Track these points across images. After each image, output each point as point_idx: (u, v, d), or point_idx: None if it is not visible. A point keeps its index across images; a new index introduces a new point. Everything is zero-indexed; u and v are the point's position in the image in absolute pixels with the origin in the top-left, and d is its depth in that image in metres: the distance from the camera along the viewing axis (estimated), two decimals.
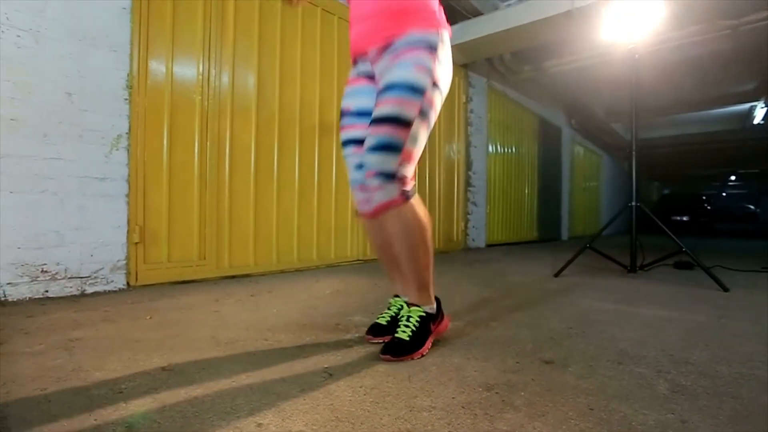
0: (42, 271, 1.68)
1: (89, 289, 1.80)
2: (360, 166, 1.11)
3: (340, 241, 2.91)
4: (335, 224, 2.87)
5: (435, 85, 1.03)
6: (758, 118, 6.19)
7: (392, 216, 1.04)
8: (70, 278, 1.75)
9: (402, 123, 1.00)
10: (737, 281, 2.37)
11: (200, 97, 2.15)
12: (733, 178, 14.82)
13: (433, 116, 1.07)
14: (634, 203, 2.38)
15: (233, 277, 2.27)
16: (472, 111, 4.26)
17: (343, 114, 1.18)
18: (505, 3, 3.85)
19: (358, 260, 3.03)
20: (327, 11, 2.82)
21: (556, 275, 2.44)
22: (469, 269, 2.81)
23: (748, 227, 14.99)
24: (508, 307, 1.64)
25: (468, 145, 4.22)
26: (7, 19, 1.60)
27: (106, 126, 1.84)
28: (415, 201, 1.06)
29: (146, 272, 1.96)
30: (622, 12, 2.33)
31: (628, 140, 2.55)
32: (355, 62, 1.18)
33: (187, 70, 2.10)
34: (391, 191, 1.01)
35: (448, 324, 1.20)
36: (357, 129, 1.13)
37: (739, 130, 6.98)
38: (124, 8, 1.90)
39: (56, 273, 1.71)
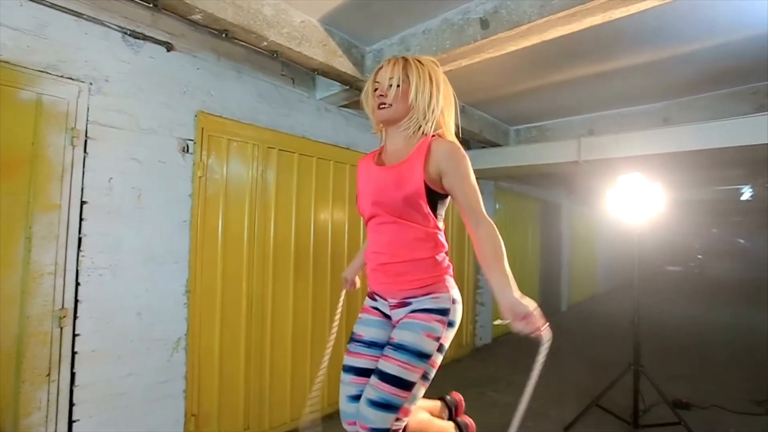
0: None
1: None
2: (353, 398, 1.20)
3: None
4: None
5: (440, 348, 1.18)
6: (745, 196, 6.54)
7: None
8: None
9: (404, 385, 1.12)
10: None
11: (245, 286, 2.37)
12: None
13: (434, 372, 1.20)
14: (635, 366, 2.62)
15: None
16: None
17: (353, 339, 1.30)
18: (514, 128, 4.15)
19: None
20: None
21: (566, 429, 2.65)
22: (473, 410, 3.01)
23: (737, 266, 15.05)
24: None
25: None
26: (93, 262, 1.82)
27: (169, 332, 2.05)
28: (414, 421, 1.18)
29: None
30: (623, 198, 2.60)
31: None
32: (372, 297, 1.32)
33: (235, 265, 2.33)
34: None
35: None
36: (364, 358, 1.24)
37: (730, 200, 7.35)
38: (185, 221, 2.12)
39: None
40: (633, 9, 1.66)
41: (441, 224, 1.26)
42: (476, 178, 1.21)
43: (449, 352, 4.14)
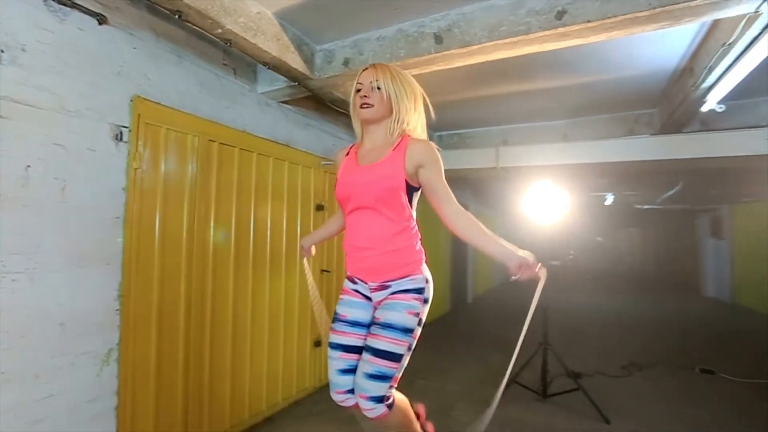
0: None
1: None
2: (342, 372, 1.36)
3: (299, 374, 3.08)
4: (297, 356, 3.04)
5: (419, 322, 1.34)
6: (608, 201, 7.97)
7: (382, 423, 1.31)
8: None
9: (395, 358, 1.28)
10: (612, 395, 3.18)
11: (184, 287, 2.19)
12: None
13: (415, 342, 1.35)
14: (544, 345, 3.07)
15: None
16: None
17: (337, 319, 1.41)
18: (437, 133, 4.48)
19: (316, 389, 3.23)
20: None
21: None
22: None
23: (598, 260, 17.77)
24: None
25: None
26: (3, 266, 1.52)
27: (98, 343, 1.81)
28: (398, 402, 1.35)
29: None
30: (538, 198, 3.03)
31: None
32: (352, 280, 1.43)
33: (174, 265, 2.15)
34: (380, 409, 1.27)
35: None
36: (349, 336, 1.38)
37: (597, 205, 8.89)
38: (118, 217, 1.89)
39: None
40: (561, 45, 1.98)
41: (414, 214, 1.41)
42: None
43: None
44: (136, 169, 1.95)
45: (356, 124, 1.46)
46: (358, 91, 1.39)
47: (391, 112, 1.37)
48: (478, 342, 4.81)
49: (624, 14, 1.72)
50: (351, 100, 1.43)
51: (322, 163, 3.39)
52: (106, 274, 1.84)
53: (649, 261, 13.67)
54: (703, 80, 2.40)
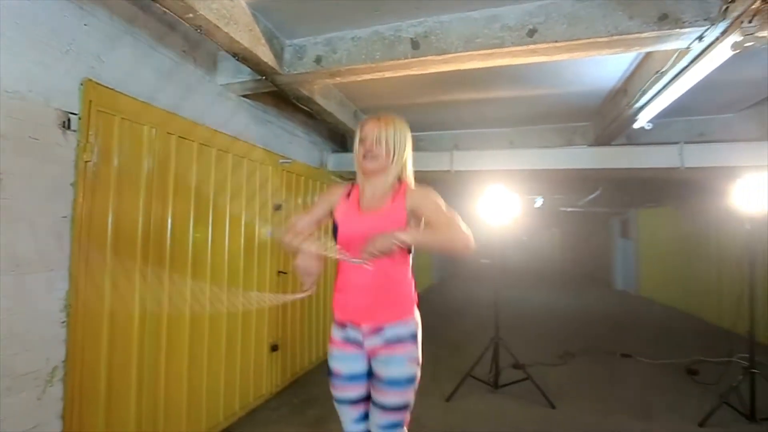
0: None
1: None
2: (357, 421, 1.41)
3: (256, 381, 2.95)
4: (254, 362, 2.91)
5: (418, 362, 1.39)
6: (538, 204, 8.69)
7: None
8: None
9: (404, 407, 1.36)
10: (553, 382, 3.48)
11: (138, 293, 1.99)
12: None
13: (418, 382, 1.40)
14: (495, 339, 3.27)
15: None
16: None
17: (334, 375, 1.42)
18: None
19: (273, 395, 3.11)
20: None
21: (448, 399, 3.12)
22: None
23: (523, 258, 19.09)
24: None
25: None
26: None
27: (40, 362, 1.58)
28: None
29: None
30: (492, 201, 3.22)
31: None
32: (342, 325, 1.42)
33: (128, 270, 1.94)
34: None
35: None
36: (349, 391, 1.40)
37: (527, 207, 9.66)
38: (65, 217, 1.66)
39: None
40: (530, 60, 2.13)
41: (411, 261, 1.45)
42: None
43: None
44: (86, 162, 1.73)
45: (358, 173, 1.49)
46: (361, 141, 1.43)
47: (392, 161, 1.41)
48: (424, 339, 4.96)
49: (587, 38, 1.90)
50: (354, 151, 1.46)
51: (280, 161, 3.28)
52: (50, 281, 1.61)
53: (567, 258, 15.11)
54: (636, 101, 2.73)
